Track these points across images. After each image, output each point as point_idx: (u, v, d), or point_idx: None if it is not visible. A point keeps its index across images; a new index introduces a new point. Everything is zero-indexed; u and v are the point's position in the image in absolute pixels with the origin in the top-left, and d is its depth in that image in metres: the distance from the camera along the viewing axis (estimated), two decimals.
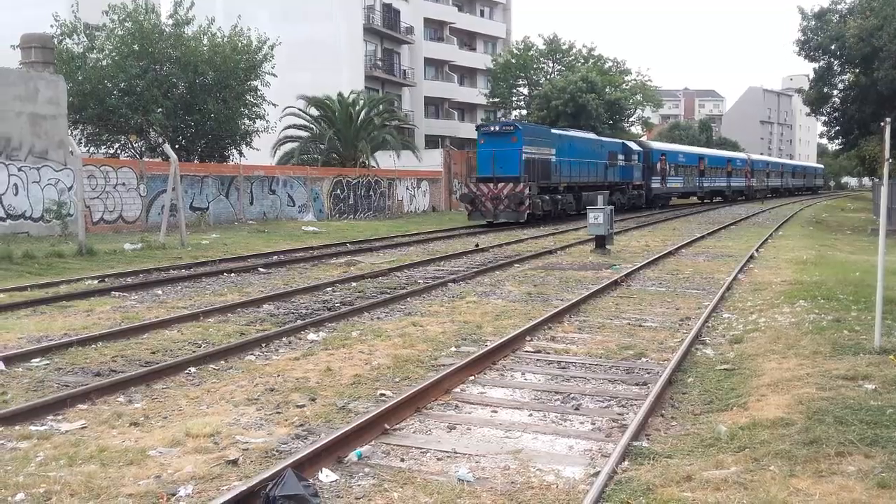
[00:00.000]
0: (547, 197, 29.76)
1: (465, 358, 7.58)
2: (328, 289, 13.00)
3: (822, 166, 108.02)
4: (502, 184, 27.91)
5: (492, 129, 30.01)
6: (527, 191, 27.73)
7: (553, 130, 33.20)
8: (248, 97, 32.38)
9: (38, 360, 7.92)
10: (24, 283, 13.36)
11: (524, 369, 7.62)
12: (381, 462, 5.18)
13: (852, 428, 5.33)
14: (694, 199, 55.43)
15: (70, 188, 22.46)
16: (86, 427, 5.90)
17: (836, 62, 39.93)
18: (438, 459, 5.24)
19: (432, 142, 56.07)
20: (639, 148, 41.91)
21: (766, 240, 22.21)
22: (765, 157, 77.79)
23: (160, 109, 28.80)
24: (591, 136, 37.77)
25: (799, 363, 7.28)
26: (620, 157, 38.47)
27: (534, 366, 7.76)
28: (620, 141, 40.85)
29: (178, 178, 20.93)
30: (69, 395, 6.46)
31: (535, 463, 5.14)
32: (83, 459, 5.18)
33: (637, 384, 7.05)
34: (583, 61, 60.91)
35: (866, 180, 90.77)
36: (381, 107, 41.73)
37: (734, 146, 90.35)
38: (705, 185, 52.96)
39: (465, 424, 5.96)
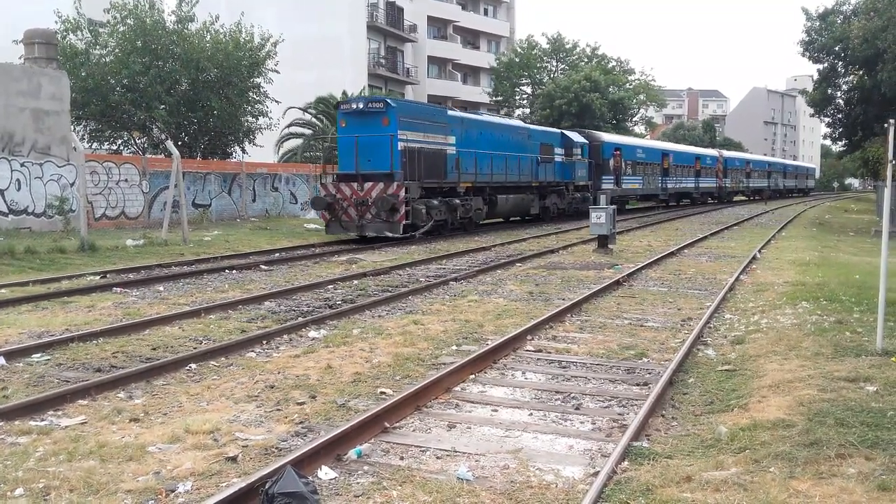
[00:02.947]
0: (437, 202, 22.17)
1: (466, 357, 7.57)
2: (330, 286, 13.00)
3: (814, 166, 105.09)
4: (370, 183, 20.60)
5: (353, 106, 21.53)
6: (402, 193, 20.22)
7: (451, 112, 25.20)
8: (251, 94, 32.39)
9: (38, 355, 7.92)
10: (26, 279, 13.39)
11: (525, 368, 7.61)
12: (380, 460, 5.17)
13: (853, 430, 5.32)
14: (686, 204, 49.84)
15: (72, 184, 22.48)
16: (86, 423, 5.90)
17: (840, 63, 39.83)
18: (438, 458, 5.23)
19: None
20: (583, 140, 34.37)
21: (769, 241, 22.18)
22: (744, 155, 69.28)
23: (163, 106, 28.82)
24: (516, 122, 31.26)
25: (800, 364, 7.27)
26: (558, 150, 31.44)
27: (534, 365, 7.75)
28: (558, 131, 33.95)
29: (181, 175, 20.95)
30: (69, 390, 6.47)
31: (534, 462, 5.13)
32: (83, 455, 5.18)
33: (638, 384, 7.04)
34: (586, 60, 60.91)
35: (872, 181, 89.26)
36: None
37: (738, 146, 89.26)
38: (669, 185, 45.87)
39: (465, 423, 5.95)
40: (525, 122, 33.67)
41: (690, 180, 49.85)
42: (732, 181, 58.41)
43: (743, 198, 63.11)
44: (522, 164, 27.85)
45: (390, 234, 20.45)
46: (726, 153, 60.80)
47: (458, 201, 23.39)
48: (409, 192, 20.60)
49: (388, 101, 21.55)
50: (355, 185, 20.75)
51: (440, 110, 24.69)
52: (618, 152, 37.76)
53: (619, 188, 37.22)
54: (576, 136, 33.78)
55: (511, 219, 29.72)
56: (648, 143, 47.84)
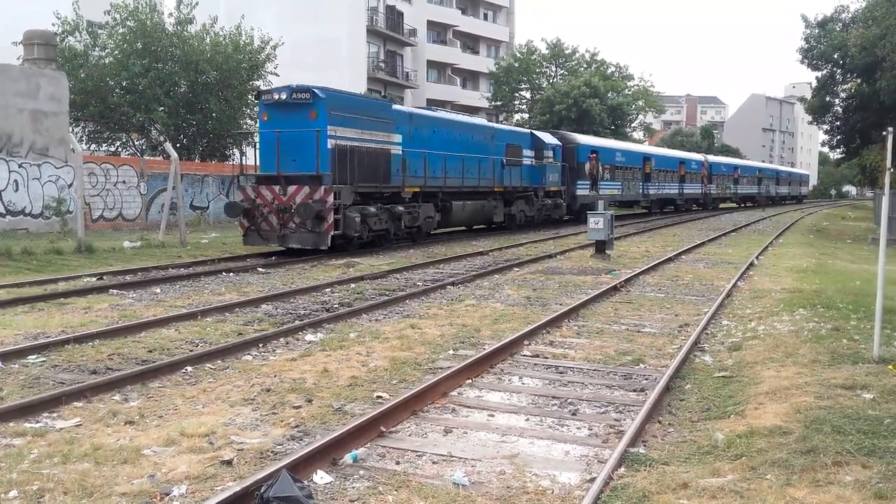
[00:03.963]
0: (375, 209, 19.25)
1: (463, 361, 7.55)
2: (327, 290, 12.98)
3: (808, 173, 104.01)
4: (294, 187, 17.73)
5: (276, 96, 18.28)
6: (331, 198, 17.43)
7: (397, 107, 22.18)
8: (250, 97, 32.39)
9: (34, 356, 7.89)
10: (23, 280, 13.36)
11: (522, 373, 7.60)
12: (376, 465, 5.16)
13: (850, 438, 5.32)
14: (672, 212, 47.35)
15: (70, 185, 22.48)
16: (81, 425, 5.88)
17: (838, 71, 40.02)
18: (434, 463, 5.21)
19: None
20: (556, 141, 31.39)
21: (767, 247, 22.20)
22: (732, 160, 66.12)
23: (162, 108, 28.86)
24: (477, 120, 28.11)
25: (797, 372, 7.26)
26: (527, 152, 28.61)
27: (531, 370, 7.74)
28: (527, 131, 31.35)
29: (179, 177, 20.94)
30: (64, 392, 6.44)
31: (530, 468, 5.12)
32: (77, 457, 5.16)
33: (635, 390, 7.03)
34: (585, 66, 61.06)
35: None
36: None
37: (736, 153, 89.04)
38: (651, 191, 43.18)
39: (461, 428, 5.94)
40: (488, 121, 31.08)
41: (674, 186, 47.37)
42: (719, 187, 56.18)
43: (732, 204, 61.58)
44: (483, 166, 24.97)
45: (318, 246, 17.70)
46: (711, 158, 57.96)
47: (402, 208, 20.42)
48: (339, 197, 17.78)
49: (316, 90, 18.13)
50: (277, 188, 17.87)
51: (383, 104, 21.67)
52: (594, 155, 35.34)
53: (596, 194, 33.87)
54: (547, 138, 31.07)
55: (474, 227, 27.29)
56: (629, 146, 45.18)
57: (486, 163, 25.32)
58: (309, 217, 17.26)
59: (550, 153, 30.38)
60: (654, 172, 43.46)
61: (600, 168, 35.87)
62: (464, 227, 26.49)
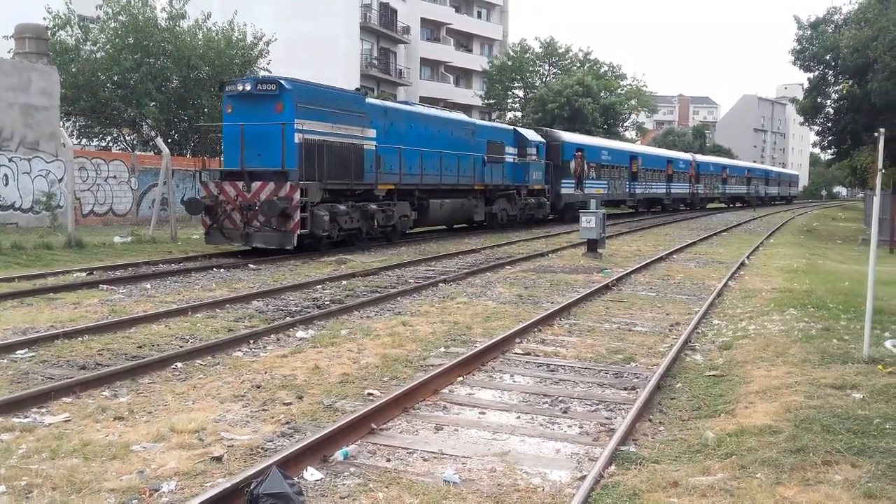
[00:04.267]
0: (345, 207, 18.28)
1: (454, 359, 7.55)
2: (318, 286, 12.95)
3: (797, 173, 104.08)
4: (258, 183, 16.88)
5: (240, 87, 17.46)
6: (297, 196, 16.60)
7: (371, 101, 21.12)
8: None
9: (23, 351, 7.85)
10: (12, 274, 13.28)
11: (513, 371, 7.60)
12: (366, 462, 5.15)
13: (840, 437, 5.34)
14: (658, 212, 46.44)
15: (61, 180, 22.38)
16: (69, 420, 5.85)
17: (830, 72, 40.06)
18: (425, 460, 5.21)
19: None
20: (540, 139, 30.39)
21: (758, 247, 22.28)
22: (720, 160, 64.98)
23: (153, 103, 28.73)
24: (457, 116, 26.50)
25: (787, 371, 7.29)
26: (510, 149, 27.70)
27: (523, 368, 7.74)
28: (510, 127, 30.45)
29: (170, 172, 20.86)
30: (53, 387, 6.40)
31: (521, 465, 5.12)
32: (66, 453, 5.13)
33: (626, 388, 7.04)
34: (579, 65, 61.15)
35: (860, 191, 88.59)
36: None
37: (727, 153, 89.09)
38: (638, 191, 42.53)
39: (452, 425, 5.93)
40: (469, 117, 30.12)
41: (661, 185, 46.56)
42: (707, 187, 55.37)
43: (721, 205, 61.34)
44: (463, 163, 24.01)
45: (283, 246, 16.82)
46: (700, 157, 56.87)
47: (375, 207, 19.46)
48: (306, 194, 16.84)
49: (282, 81, 17.26)
50: (241, 184, 16.96)
51: (356, 97, 20.19)
52: (579, 153, 34.34)
53: (581, 193, 33.38)
54: (531, 135, 30.03)
55: (456, 227, 26.52)
56: (615, 144, 44.19)
57: (466, 160, 24.42)
58: (273, 215, 16.38)
59: (534, 150, 29.35)
60: (640, 171, 42.82)
61: (586, 166, 35.05)
62: (444, 227, 25.81)
